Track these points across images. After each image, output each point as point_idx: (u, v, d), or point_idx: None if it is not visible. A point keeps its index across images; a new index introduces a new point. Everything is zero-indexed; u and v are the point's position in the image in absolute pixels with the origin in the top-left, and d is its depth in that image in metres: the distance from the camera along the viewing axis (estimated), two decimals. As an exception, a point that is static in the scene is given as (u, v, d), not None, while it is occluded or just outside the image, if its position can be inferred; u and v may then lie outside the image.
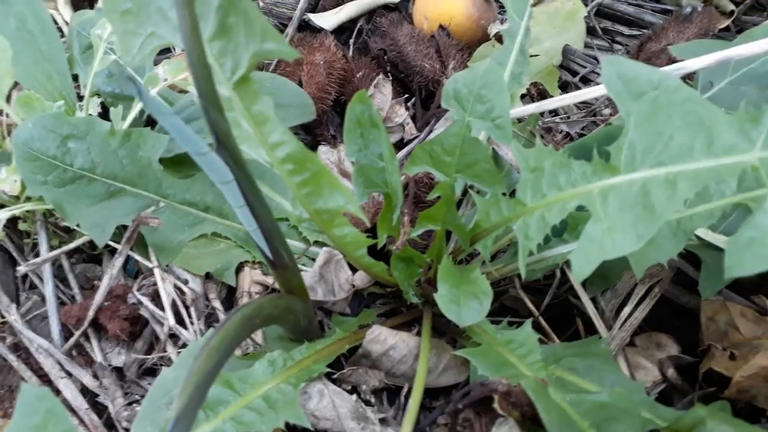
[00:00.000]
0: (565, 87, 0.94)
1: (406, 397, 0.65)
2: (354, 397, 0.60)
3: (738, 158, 0.40)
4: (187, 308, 0.65)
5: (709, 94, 0.66)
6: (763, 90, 0.65)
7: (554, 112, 0.90)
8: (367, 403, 0.62)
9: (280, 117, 0.72)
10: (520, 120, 0.76)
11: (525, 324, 0.58)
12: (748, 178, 0.40)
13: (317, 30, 0.99)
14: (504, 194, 0.59)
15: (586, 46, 0.97)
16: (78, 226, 0.70)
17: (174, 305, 0.65)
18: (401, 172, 0.63)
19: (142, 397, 0.67)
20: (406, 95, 0.90)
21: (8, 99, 0.77)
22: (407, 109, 0.88)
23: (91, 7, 1.03)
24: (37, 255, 0.78)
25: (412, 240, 0.68)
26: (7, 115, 0.78)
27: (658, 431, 0.52)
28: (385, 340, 0.62)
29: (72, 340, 0.72)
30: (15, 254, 0.79)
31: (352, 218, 0.73)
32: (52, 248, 0.78)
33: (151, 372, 0.70)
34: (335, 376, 0.62)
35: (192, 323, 0.64)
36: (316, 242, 0.71)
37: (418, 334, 0.67)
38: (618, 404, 0.48)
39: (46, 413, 0.40)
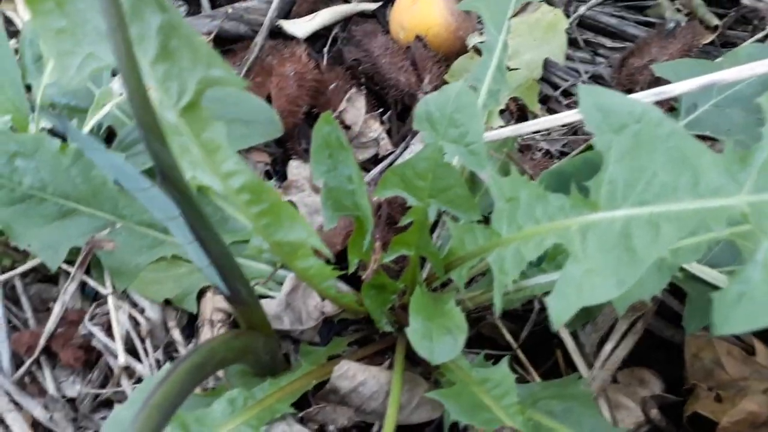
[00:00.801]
0: (545, 101, 0.91)
1: (377, 435, 0.62)
2: (320, 436, 0.57)
3: (725, 201, 0.37)
4: (142, 340, 0.61)
5: (692, 116, 0.63)
6: (749, 113, 0.62)
7: (534, 127, 0.87)
8: (335, 442, 0.59)
9: (245, 134, 0.69)
10: (498, 138, 0.73)
11: (501, 362, 0.55)
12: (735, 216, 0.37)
13: (290, 38, 0.95)
14: (480, 221, 0.57)
15: (568, 58, 0.94)
16: (29, 247, 0.66)
17: (128, 337, 0.61)
18: (372, 195, 0.60)
19: (95, 433, 0.63)
20: (381, 109, 0.86)
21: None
22: (382, 123, 0.84)
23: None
24: (-14, 277, 0.74)
25: (385, 265, 0.64)
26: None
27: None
28: (354, 375, 0.58)
29: (23, 369, 0.68)
30: (-38, 277, 0.75)
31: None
32: (4, 270, 0.74)
33: (107, 404, 0.66)
34: (301, 415, 0.59)
35: (147, 355, 0.60)
36: (283, 265, 0.68)
37: (392, 363, 0.63)
38: (597, 453, 0.45)
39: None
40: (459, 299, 0.65)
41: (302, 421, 0.59)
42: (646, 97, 0.55)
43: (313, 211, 0.77)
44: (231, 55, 0.95)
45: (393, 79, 0.83)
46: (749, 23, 0.95)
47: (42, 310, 0.74)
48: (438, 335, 0.53)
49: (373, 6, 1.00)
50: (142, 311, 0.64)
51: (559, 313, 0.41)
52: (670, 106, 0.69)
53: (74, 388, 0.67)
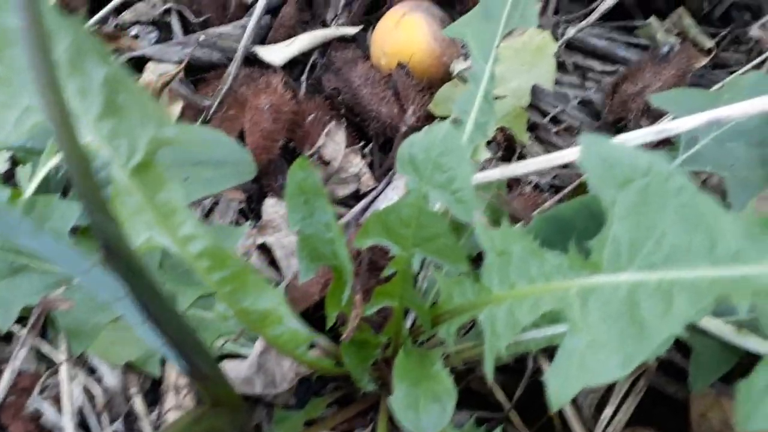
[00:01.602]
0: (534, 128, 0.87)
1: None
2: None
3: (748, 269, 0.33)
4: (98, 414, 0.55)
5: (693, 150, 0.59)
6: (752, 147, 0.58)
7: (523, 157, 0.83)
8: None
9: (215, 178, 0.64)
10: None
11: (494, 432, 0.50)
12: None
13: (266, 65, 0.91)
14: (469, 267, 0.52)
15: (556, 82, 0.90)
16: (-23, 305, 0.61)
17: (81, 412, 0.55)
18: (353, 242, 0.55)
19: None
20: (363, 141, 0.81)
21: None
22: (363, 156, 0.80)
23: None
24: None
25: (367, 317, 0.60)
26: None
27: None
28: (333, 444, 0.53)
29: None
30: None
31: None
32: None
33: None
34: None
35: (102, 430, 0.54)
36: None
37: (375, 427, 0.58)
38: None
39: None
40: (446, 353, 0.60)
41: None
42: (648, 135, 0.51)
43: (290, 254, 0.72)
44: (204, 84, 0.90)
45: (374, 110, 0.79)
46: (742, 43, 0.91)
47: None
48: (425, 404, 0.48)
49: (353, 30, 0.95)
50: (99, 380, 0.58)
51: (560, 393, 0.37)
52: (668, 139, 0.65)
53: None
